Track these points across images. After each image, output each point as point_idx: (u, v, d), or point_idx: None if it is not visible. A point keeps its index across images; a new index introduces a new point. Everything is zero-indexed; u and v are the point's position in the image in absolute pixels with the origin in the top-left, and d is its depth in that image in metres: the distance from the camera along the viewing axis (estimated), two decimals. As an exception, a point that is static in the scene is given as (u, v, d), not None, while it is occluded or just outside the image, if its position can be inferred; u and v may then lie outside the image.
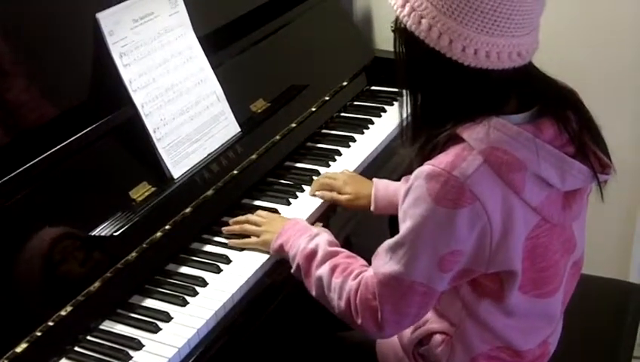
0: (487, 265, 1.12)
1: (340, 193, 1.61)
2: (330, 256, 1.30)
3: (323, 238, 1.34)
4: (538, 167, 1.08)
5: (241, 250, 1.48)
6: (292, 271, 1.36)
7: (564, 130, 1.11)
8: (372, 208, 1.58)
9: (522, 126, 1.09)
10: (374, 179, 1.60)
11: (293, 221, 1.45)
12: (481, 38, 1.03)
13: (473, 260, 1.12)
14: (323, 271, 1.28)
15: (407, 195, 1.12)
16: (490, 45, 1.04)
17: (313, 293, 1.31)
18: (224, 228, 1.52)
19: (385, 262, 1.16)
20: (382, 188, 1.57)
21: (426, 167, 1.09)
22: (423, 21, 1.05)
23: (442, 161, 1.08)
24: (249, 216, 1.52)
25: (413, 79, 1.16)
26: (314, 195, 1.64)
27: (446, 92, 1.12)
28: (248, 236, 1.49)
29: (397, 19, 1.12)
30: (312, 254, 1.31)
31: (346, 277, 1.24)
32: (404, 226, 1.12)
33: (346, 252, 1.32)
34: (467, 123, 1.09)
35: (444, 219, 1.07)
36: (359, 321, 1.21)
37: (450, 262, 1.11)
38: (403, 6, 1.08)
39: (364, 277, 1.21)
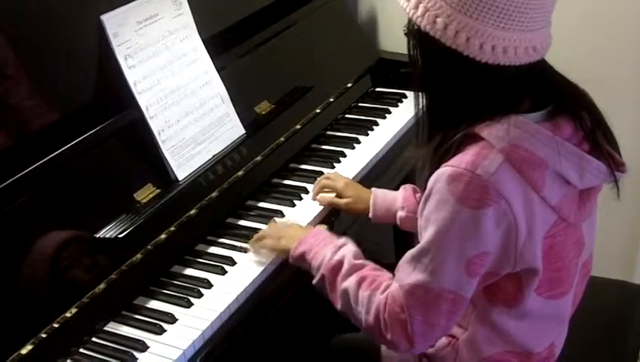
0: (514, 265, 1.11)
1: (340, 196, 1.61)
2: (357, 268, 1.25)
3: (349, 249, 1.29)
4: (559, 165, 1.08)
5: (246, 251, 1.48)
6: (314, 281, 1.31)
7: (580, 129, 1.11)
8: (370, 215, 1.57)
9: (540, 124, 1.09)
10: (373, 188, 1.60)
11: (316, 230, 1.40)
12: (497, 34, 1.03)
13: (499, 262, 1.11)
14: (349, 283, 1.23)
15: (429, 200, 1.10)
16: (507, 40, 1.04)
17: (338, 306, 1.27)
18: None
19: (409, 272, 1.14)
20: (380, 196, 1.56)
21: (446, 169, 1.08)
22: (438, 20, 1.05)
23: (462, 160, 1.07)
24: (270, 224, 1.50)
25: (429, 80, 1.16)
26: (315, 200, 1.64)
27: (462, 91, 1.11)
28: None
29: (410, 21, 1.11)
30: (338, 266, 1.27)
31: (374, 290, 1.20)
32: (428, 233, 1.11)
33: (372, 264, 1.28)
34: (484, 121, 1.09)
35: (470, 220, 1.06)
36: (389, 336, 1.17)
37: (478, 266, 1.10)
38: (416, 7, 1.07)
39: (391, 290, 1.18)
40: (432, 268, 1.11)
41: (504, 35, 1.03)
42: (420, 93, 1.17)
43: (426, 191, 1.11)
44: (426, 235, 1.11)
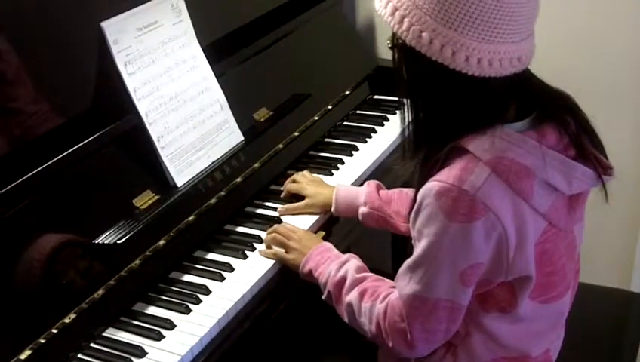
0: (506, 274, 1.12)
1: (301, 194, 1.63)
2: (359, 281, 1.29)
3: (352, 264, 1.33)
4: (545, 173, 1.09)
5: (245, 258, 1.49)
6: (323, 297, 1.36)
7: (565, 134, 1.12)
8: (332, 209, 1.59)
9: (525, 133, 1.10)
10: (337, 183, 1.62)
11: (322, 247, 1.43)
12: (482, 47, 1.04)
13: (492, 271, 1.12)
14: (352, 297, 1.28)
15: (419, 214, 1.12)
16: (491, 53, 1.04)
17: (345, 319, 1.31)
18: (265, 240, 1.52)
19: (406, 282, 1.16)
20: (342, 191, 1.59)
21: (434, 184, 1.09)
22: (424, 35, 1.05)
23: (450, 175, 1.08)
24: (277, 227, 1.51)
25: (416, 93, 1.16)
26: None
27: (449, 104, 1.12)
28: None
29: (394, 35, 1.11)
30: (342, 281, 1.31)
31: (374, 301, 1.24)
32: (420, 245, 1.13)
33: (373, 276, 1.31)
34: (470, 134, 1.09)
35: (460, 235, 1.07)
36: (390, 344, 1.21)
37: (472, 275, 1.11)
38: (400, 22, 1.07)
39: (390, 299, 1.21)
40: (426, 279, 1.13)
41: (489, 48, 1.04)
42: (406, 107, 1.17)
43: (416, 205, 1.13)
44: (419, 247, 1.13)
